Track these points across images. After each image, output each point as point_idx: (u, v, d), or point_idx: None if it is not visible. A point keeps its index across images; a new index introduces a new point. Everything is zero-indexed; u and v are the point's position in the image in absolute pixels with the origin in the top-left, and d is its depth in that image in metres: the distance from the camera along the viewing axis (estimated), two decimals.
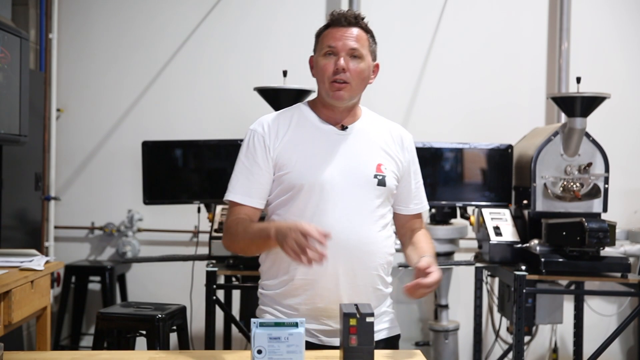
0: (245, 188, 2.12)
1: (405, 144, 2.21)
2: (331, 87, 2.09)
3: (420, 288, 1.97)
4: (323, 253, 1.84)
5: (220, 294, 3.87)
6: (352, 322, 1.79)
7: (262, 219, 2.15)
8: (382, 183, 2.11)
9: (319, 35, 2.17)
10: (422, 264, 2.01)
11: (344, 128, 2.15)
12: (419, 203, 2.27)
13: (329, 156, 2.10)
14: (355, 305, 1.87)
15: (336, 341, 2.07)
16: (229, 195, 2.14)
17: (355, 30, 2.12)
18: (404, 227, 2.28)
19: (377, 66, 2.20)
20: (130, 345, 3.18)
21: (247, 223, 2.08)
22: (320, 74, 2.12)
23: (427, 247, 2.20)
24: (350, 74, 2.09)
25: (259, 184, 2.12)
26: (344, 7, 4.75)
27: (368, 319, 1.79)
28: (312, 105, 2.20)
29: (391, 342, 2.19)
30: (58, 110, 4.84)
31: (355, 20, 2.13)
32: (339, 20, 2.12)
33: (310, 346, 2.09)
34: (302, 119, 2.17)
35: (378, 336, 2.13)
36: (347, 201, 2.07)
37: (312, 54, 2.20)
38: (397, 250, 2.27)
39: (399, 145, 2.19)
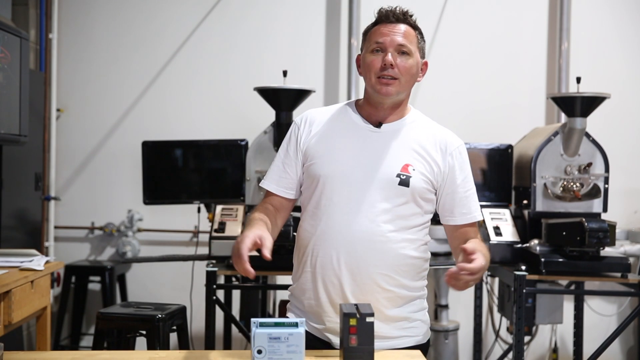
0: (276, 177, 2.17)
1: (449, 150, 2.13)
2: (378, 82, 2.07)
3: (462, 274, 1.86)
4: (249, 272, 1.89)
5: (220, 294, 3.87)
6: (352, 322, 1.79)
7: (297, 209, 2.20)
8: (404, 183, 2.05)
9: (367, 33, 2.14)
10: (467, 246, 1.91)
11: (378, 125, 2.13)
12: (467, 213, 2.14)
13: (355, 151, 2.09)
14: (356, 305, 1.87)
15: None
16: (262, 182, 2.20)
17: (403, 27, 2.09)
18: (455, 239, 2.18)
19: (425, 64, 2.18)
20: (130, 345, 3.18)
21: (255, 215, 2.11)
22: (367, 70, 2.10)
23: (477, 244, 2.06)
24: (398, 69, 2.06)
25: (288, 174, 2.16)
26: (344, 7, 4.75)
27: (368, 319, 1.79)
28: (358, 102, 2.19)
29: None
30: (58, 110, 4.84)
31: (403, 17, 2.10)
32: (387, 17, 2.09)
33: (326, 346, 2.09)
34: (341, 115, 2.17)
35: (397, 344, 2.09)
36: (361, 197, 2.05)
37: (360, 53, 2.18)
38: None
39: (440, 150, 2.12)
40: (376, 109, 2.13)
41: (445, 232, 2.23)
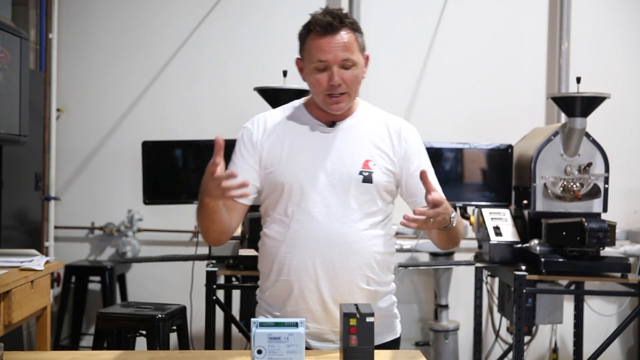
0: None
1: (403, 136, 2.13)
2: (327, 100, 2.05)
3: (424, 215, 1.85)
4: (238, 186, 1.85)
5: (220, 294, 3.87)
6: (352, 322, 1.79)
7: (257, 220, 2.13)
8: (368, 180, 2.06)
9: (304, 40, 2.09)
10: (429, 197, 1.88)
11: (332, 124, 2.11)
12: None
13: (314, 154, 2.07)
14: (355, 305, 1.87)
15: (329, 345, 2.07)
16: None
17: (344, 36, 2.03)
18: None
19: (367, 57, 2.14)
20: (130, 345, 3.18)
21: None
22: (314, 87, 2.07)
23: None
24: (346, 84, 2.04)
25: (243, 178, 2.07)
26: (345, 7, 4.75)
27: (368, 319, 1.79)
28: (307, 103, 2.17)
29: (386, 348, 2.12)
30: (58, 110, 4.84)
31: (340, 23, 2.03)
32: (325, 29, 2.03)
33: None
34: (293, 117, 2.14)
35: (376, 341, 2.05)
36: (329, 199, 2.04)
37: (299, 55, 2.14)
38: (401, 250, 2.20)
39: (395, 137, 2.13)
40: (326, 112, 2.11)
41: None
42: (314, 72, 2.05)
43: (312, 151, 2.08)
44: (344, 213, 2.04)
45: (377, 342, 2.06)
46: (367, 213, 2.07)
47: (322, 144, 2.09)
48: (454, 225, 2.01)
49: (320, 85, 2.04)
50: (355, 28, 2.07)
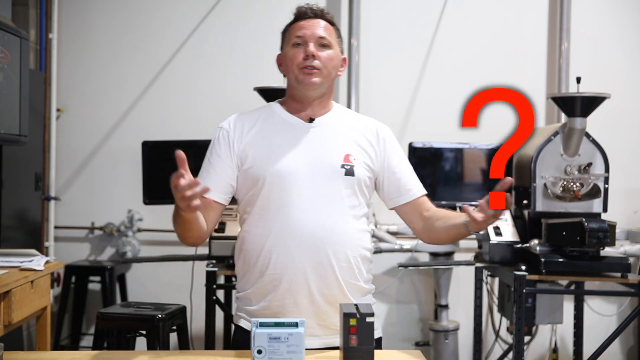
0: (206, 181, 2.09)
1: (381, 135, 2.17)
2: (301, 72, 2.09)
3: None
4: (197, 194, 1.87)
5: (220, 294, 3.87)
6: (352, 322, 1.79)
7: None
8: (350, 173, 2.08)
9: (285, 31, 2.18)
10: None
11: (311, 120, 2.14)
12: (412, 188, 2.20)
13: (294, 148, 2.08)
14: (355, 305, 1.87)
15: (314, 341, 2.03)
16: None
17: (322, 22, 2.13)
18: (413, 215, 2.20)
19: (344, 60, 2.21)
20: (130, 345, 3.18)
21: None
22: (289, 63, 2.11)
23: (457, 214, 2.11)
24: (320, 60, 2.08)
25: (220, 177, 2.11)
26: (344, 7, 4.75)
27: (368, 319, 1.79)
28: (283, 102, 2.21)
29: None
30: (58, 110, 4.84)
31: (321, 13, 2.15)
32: (305, 13, 2.13)
33: None
34: (270, 114, 2.17)
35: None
36: (313, 192, 2.05)
37: (280, 52, 2.21)
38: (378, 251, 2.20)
39: (373, 137, 2.16)
40: (303, 104, 2.14)
41: (401, 218, 2.25)
42: (291, 49, 2.12)
43: (293, 146, 2.09)
44: (328, 205, 2.05)
45: None
46: (350, 206, 2.09)
47: (302, 138, 2.11)
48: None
49: (296, 59, 2.09)
50: (334, 23, 2.18)
